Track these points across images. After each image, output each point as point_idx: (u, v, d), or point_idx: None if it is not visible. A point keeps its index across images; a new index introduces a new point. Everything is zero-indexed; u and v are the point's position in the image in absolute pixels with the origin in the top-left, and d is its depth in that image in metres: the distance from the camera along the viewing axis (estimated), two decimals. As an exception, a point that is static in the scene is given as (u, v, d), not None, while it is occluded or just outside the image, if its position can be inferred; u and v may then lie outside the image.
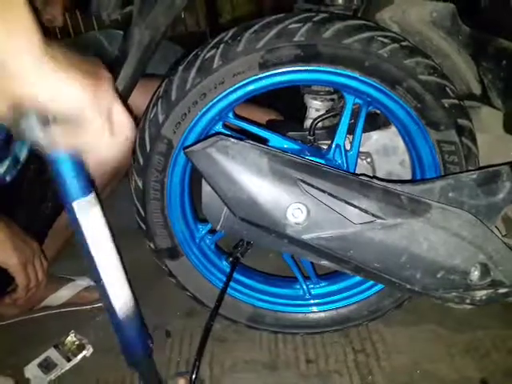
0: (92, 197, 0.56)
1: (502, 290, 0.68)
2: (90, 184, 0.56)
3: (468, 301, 0.69)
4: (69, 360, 1.09)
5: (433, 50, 0.86)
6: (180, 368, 1.08)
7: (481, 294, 0.69)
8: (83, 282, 1.26)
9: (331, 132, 0.96)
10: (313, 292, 1.07)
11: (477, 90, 0.85)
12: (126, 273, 0.66)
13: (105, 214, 0.59)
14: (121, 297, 0.64)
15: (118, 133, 0.48)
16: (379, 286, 1.01)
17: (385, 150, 1.00)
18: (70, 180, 0.53)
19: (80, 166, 0.53)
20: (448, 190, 0.72)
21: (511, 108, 0.79)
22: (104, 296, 0.63)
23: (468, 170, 0.81)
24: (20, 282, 0.95)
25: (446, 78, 0.80)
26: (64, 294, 1.24)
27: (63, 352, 1.10)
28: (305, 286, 1.06)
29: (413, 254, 0.64)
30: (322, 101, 0.99)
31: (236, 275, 1.08)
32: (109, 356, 1.08)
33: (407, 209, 0.65)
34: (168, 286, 1.08)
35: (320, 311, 1.06)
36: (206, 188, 0.70)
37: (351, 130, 0.93)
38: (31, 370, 1.07)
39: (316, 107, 0.99)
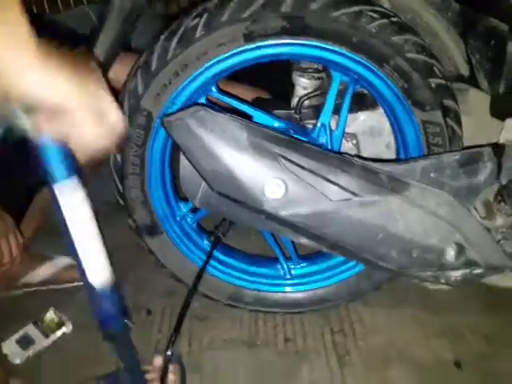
0: (75, 180, 0.56)
1: (477, 271, 0.69)
2: (73, 168, 0.55)
3: (443, 280, 0.69)
4: (47, 337, 1.07)
5: (422, 28, 0.84)
6: (160, 346, 1.08)
7: (456, 275, 0.69)
8: (63, 261, 1.24)
9: (318, 111, 0.94)
10: (293, 272, 1.07)
11: (465, 71, 0.84)
12: (108, 251, 0.64)
13: (89, 198, 0.59)
14: (98, 271, 0.63)
15: (106, 122, 0.49)
16: (358, 268, 1.01)
17: (371, 132, 0.99)
18: (54, 162, 0.53)
19: (65, 150, 0.53)
20: (430, 171, 0.71)
21: (497, 90, 0.78)
22: (80, 270, 0.62)
23: (451, 151, 0.80)
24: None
25: (434, 58, 0.79)
26: (43, 271, 1.21)
27: (42, 329, 1.09)
28: (285, 266, 1.06)
29: (389, 232, 0.64)
30: (309, 79, 0.97)
31: (217, 254, 1.07)
32: (88, 333, 1.05)
33: (386, 187, 0.64)
34: (151, 265, 1.07)
35: (299, 291, 1.05)
36: (184, 162, 0.68)
37: (338, 110, 0.92)
38: (9, 346, 1.05)
39: (303, 85, 0.97)
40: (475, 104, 0.92)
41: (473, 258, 0.67)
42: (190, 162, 0.64)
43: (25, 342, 1.05)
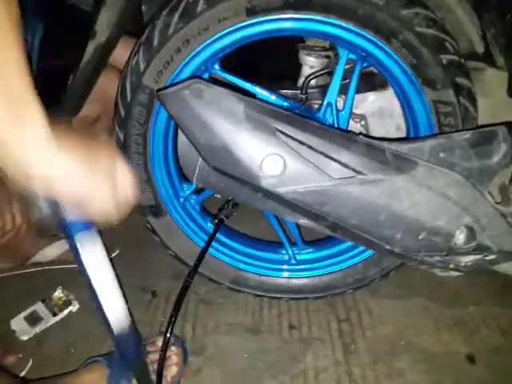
0: (93, 231, 0.58)
1: (489, 257, 0.65)
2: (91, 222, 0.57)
3: (452, 266, 0.65)
4: (55, 315, 1.09)
5: (434, 3, 0.80)
6: (164, 328, 1.07)
7: (466, 260, 0.65)
8: None
9: (324, 91, 0.91)
10: (298, 257, 1.05)
11: (479, 47, 0.80)
12: (125, 296, 0.66)
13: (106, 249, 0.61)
14: (118, 316, 0.65)
15: (121, 191, 0.51)
16: (365, 254, 0.98)
17: (380, 113, 0.95)
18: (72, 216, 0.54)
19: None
20: (439, 150, 0.67)
21: (514, 66, 0.73)
22: (102, 315, 0.65)
23: (461, 130, 0.76)
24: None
25: (446, 33, 0.75)
26: (53, 251, 1.23)
27: (50, 307, 1.11)
28: (290, 251, 1.04)
29: (393, 212, 0.60)
30: (316, 57, 0.94)
31: (222, 237, 1.06)
32: (94, 313, 1.08)
33: (391, 165, 0.61)
34: (158, 250, 1.07)
35: (304, 277, 1.03)
36: (182, 138, 0.67)
37: (346, 90, 0.88)
38: (17, 323, 1.07)
39: (310, 64, 0.95)
40: (492, 84, 0.87)
41: (484, 242, 0.63)
42: (186, 135, 0.62)
43: (33, 320, 1.08)
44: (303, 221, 0.69)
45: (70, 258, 1.23)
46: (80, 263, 0.58)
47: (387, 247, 0.63)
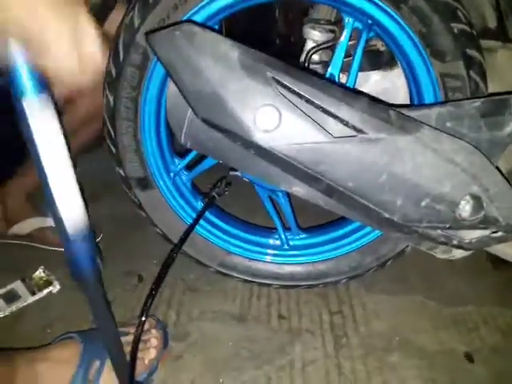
0: (45, 97, 0.50)
1: (497, 234, 0.60)
2: (44, 85, 0.50)
3: (455, 242, 0.60)
4: (33, 294, 1.05)
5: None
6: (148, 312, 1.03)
7: (471, 236, 0.60)
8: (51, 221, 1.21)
9: (328, 67, 0.87)
10: (291, 243, 0.99)
11: (492, 22, 0.76)
12: (80, 185, 0.58)
13: (60, 121, 0.53)
14: (71, 209, 0.57)
15: (86, 50, 0.46)
16: (362, 242, 0.93)
17: (384, 94, 0.91)
18: (24, 78, 0.48)
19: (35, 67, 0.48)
20: (446, 119, 0.63)
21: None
22: (53, 209, 0.56)
23: (470, 98, 0.71)
24: None
25: (458, 1, 0.71)
26: (31, 223, 1.20)
27: (29, 286, 1.07)
28: (283, 236, 0.98)
29: (394, 175, 0.55)
30: (320, 31, 0.89)
31: (212, 218, 1.00)
32: (74, 295, 1.04)
33: (394, 124, 0.56)
34: (148, 235, 1.04)
35: (296, 263, 0.98)
36: (172, 88, 0.62)
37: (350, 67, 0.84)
38: (-7, 300, 1.02)
39: (314, 38, 0.90)
40: (504, 67, 0.84)
41: (492, 214, 0.58)
42: (175, 82, 0.57)
43: (10, 297, 1.04)
44: (296, 188, 0.63)
45: (46, 238, 1.20)
46: (28, 131, 0.51)
47: (386, 215, 0.57)
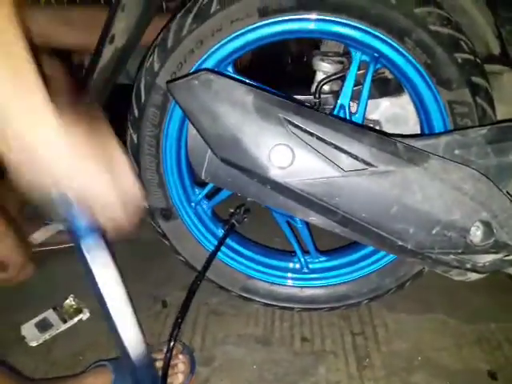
0: (99, 236, 0.55)
1: (509, 257, 0.61)
2: (96, 225, 0.53)
3: (469, 266, 0.62)
4: (65, 322, 1.09)
5: (449, 6, 0.80)
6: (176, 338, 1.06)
7: (484, 260, 0.62)
8: (56, 226, 1.30)
9: (338, 97, 0.91)
10: (311, 266, 1.02)
11: (495, 48, 0.78)
12: (135, 312, 0.63)
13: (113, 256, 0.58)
14: (132, 339, 0.62)
15: (130, 202, 0.48)
16: (380, 264, 0.95)
17: (395, 119, 0.94)
18: (77, 220, 0.51)
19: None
20: (454, 147, 0.65)
21: (531, 64, 0.72)
22: (117, 341, 0.62)
23: (477, 126, 0.74)
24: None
25: (461, 31, 0.74)
26: (39, 236, 1.29)
27: (61, 314, 1.11)
28: (303, 260, 1.01)
29: (405, 205, 0.58)
30: (329, 63, 0.94)
31: (233, 244, 1.04)
32: (104, 322, 1.08)
33: (403, 157, 0.59)
34: (171, 261, 1.06)
35: (317, 287, 1.00)
36: (191, 131, 0.67)
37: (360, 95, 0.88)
38: (27, 329, 1.07)
39: (324, 70, 0.94)
40: (510, 89, 0.86)
41: (502, 239, 0.60)
42: (194, 126, 0.62)
43: (43, 326, 1.08)
44: (313, 218, 0.67)
45: (55, 241, 1.29)
46: (89, 272, 0.55)
47: (399, 243, 0.60)
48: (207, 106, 0.60)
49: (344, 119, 0.79)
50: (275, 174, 0.60)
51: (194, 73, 0.62)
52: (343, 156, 0.60)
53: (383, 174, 0.59)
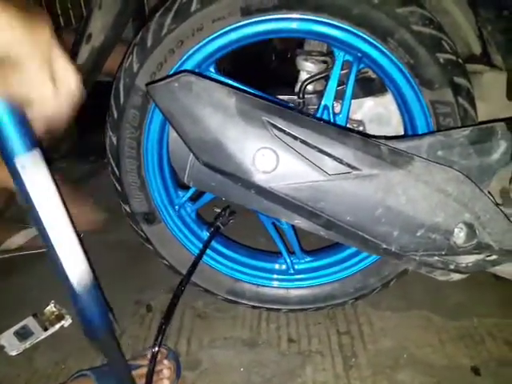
0: (37, 153, 0.50)
1: (491, 257, 0.62)
2: (34, 138, 0.50)
3: (452, 267, 0.62)
4: (46, 329, 1.06)
5: (432, 6, 0.80)
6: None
7: (467, 260, 0.62)
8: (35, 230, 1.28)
9: (322, 96, 0.90)
10: (297, 267, 1.01)
11: (477, 48, 0.79)
12: (81, 241, 0.58)
13: (52, 173, 0.53)
14: (76, 267, 0.57)
15: (62, 85, 0.45)
16: (365, 263, 0.95)
17: (378, 119, 0.94)
18: (11, 133, 0.47)
19: (22, 118, 0.48)
20: (437, 148, 0.65)
21: (511, 65, 0.72)
22: (58, 267, 0.56)
23: (459, 127, 0.74)
24: None
25: (443, 32, 0.74)
26: (17, 239, 1.27)
27: (41, 321, 1.08)
28: (288, 261, 1.01)
29: (389, 208, 0.58)
30: (313, 62, 0.93)
31: (218, 246, 1.03)
32: None
33: (386, 160, 0.59)
34: (154, 263, 1.05)
35: (303, 287, 1.00)
36: (172, 134, 0.65)
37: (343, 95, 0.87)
38: (7, 338, 1.05)
39: (307, 69, 0.94)
40: (491, 88, 0.86)
41: (485, 240, 0.61)
42: (175, 130, 0.60)
43: (23, 334, 1.05)
44: (298, 221, 0.66)
45: (34, 245, 1.25)
46: (23, 193, 0.50)
47: (384, 246, 0.60)
48: (188, 109, 0.58)
49: (328, 122, 0.78)
50: (259, 178, 0.59)
51: (174, 75, 0.60)
52: (327, 159, 0.59)
53: (367, 177, 0.58)
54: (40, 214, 0.52)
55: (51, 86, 0.44)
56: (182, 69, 0.80)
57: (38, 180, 0.50)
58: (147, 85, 0.61)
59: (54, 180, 0.52)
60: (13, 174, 0.50)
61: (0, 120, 0.47)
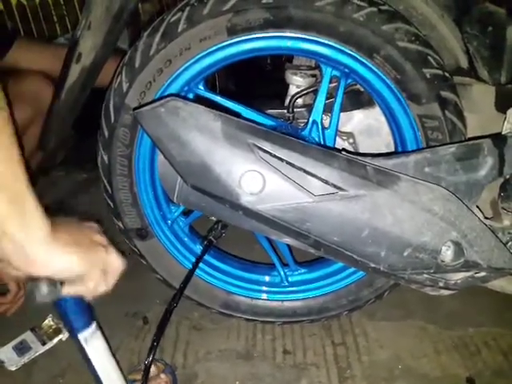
0: (94, 326, 0.62)
1: (479, 274, 0.62)
2: (91, 315, 0.61)
3: (442, 284, 0.62)
4: (44, 343, 1.07)
5: (417, 20, 0.80)
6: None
7: (456, 278, 0.63)
8: None
9: (311, 110, 0.90)
10: (290, 279, 1.02)
11: (464, 62, 0.79)
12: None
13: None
14: None
15: (112, 276, 0.58)
16: (358, 275, 0.95)
17: (368, 131, 0.94)
18: (75, 315, 0.59)
19: (80, 299, 0.58)
20: (424, 165, 0.66)
21: (498, 80, 0.72)
22: None
23: (446, 144, 0.74)
24: (12, 289, 1.02)
25: (429, 47, 0.74)
26: None
27: (39, 335, 1.09)
28: (282, 273, 1.01)
29: (376, 229, 0.58)
30: (302, 77, 0.93)
31: (211, 260, 1.03)
32: None
33: (372, 180, 0.59)
34: (150, 276, 1.05)
35: (297, 299, 1.00)
36: (160, 157, 0.66)
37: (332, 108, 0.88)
38: (5, 353, 1.05)
39: (297, 83, 0.94)
40: (479, 99, 0.86)
41: (472, 258, 0.61)
42: (163, 154, 0.61)
43: (22, 349, 1.05)
44: (287, 239, 0.66)
45: None
46: (87, 361, 0.62)
47: (372, 265, 0.60)
48: (175, 134, 0.59)
49: (314, 143, 0.79)
50: (246, 200, 0.60)
51: (160, 99, 0.61)
52: (313, 180, 0.59)
53: (353, 197, 0.59)
54: (100, 376, 0.64)
55: (104, 284, 0.56)
56: (171, 87, 0.80)
57: (97, 349, 0.63)
58: (134, 109, 0.61)
59: (109, 346, 0.65)
60: (77, 345, 0.61)
61: (65, 307, 0.58)
